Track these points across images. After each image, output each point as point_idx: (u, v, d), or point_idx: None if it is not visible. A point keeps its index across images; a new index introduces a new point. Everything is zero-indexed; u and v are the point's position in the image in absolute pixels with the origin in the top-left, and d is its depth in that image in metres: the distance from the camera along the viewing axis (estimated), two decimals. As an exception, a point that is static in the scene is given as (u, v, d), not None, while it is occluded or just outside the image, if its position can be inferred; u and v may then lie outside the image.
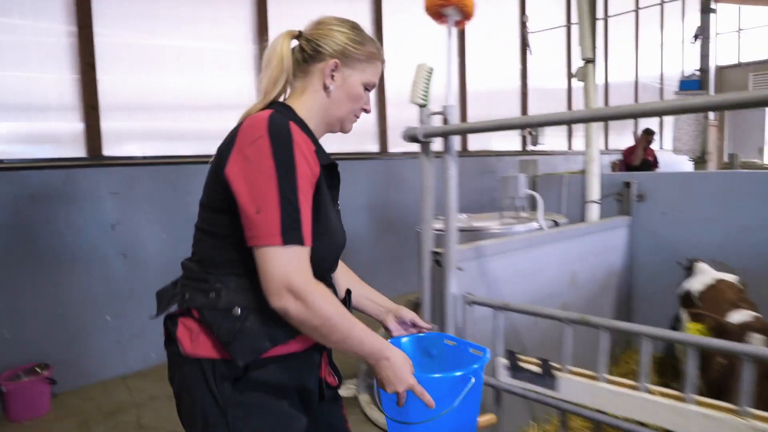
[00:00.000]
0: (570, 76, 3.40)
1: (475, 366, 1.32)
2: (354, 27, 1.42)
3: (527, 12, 8.17)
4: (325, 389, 1.39)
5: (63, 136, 4.14)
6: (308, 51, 1.36)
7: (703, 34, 6.71)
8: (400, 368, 1.24)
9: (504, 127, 1.93)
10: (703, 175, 3.63)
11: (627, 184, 3.45)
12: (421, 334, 1.58)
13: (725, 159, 12.51)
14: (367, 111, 1.47)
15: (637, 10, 10.26)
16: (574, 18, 9.16)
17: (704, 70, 6.81)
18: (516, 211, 3.39)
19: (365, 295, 1.60)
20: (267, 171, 1.13)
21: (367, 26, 3.65)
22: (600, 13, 8.78)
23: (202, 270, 1.27)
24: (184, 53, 4.83)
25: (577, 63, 3.85)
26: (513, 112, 8.44)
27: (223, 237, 1.26)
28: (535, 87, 8.73)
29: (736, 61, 15.47)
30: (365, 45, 1.41)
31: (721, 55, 14.92)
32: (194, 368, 1.23)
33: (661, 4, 10.79)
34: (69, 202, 4.05)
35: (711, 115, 7.42)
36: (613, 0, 9.89)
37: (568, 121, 2.18)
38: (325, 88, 1.36)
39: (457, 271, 2.15)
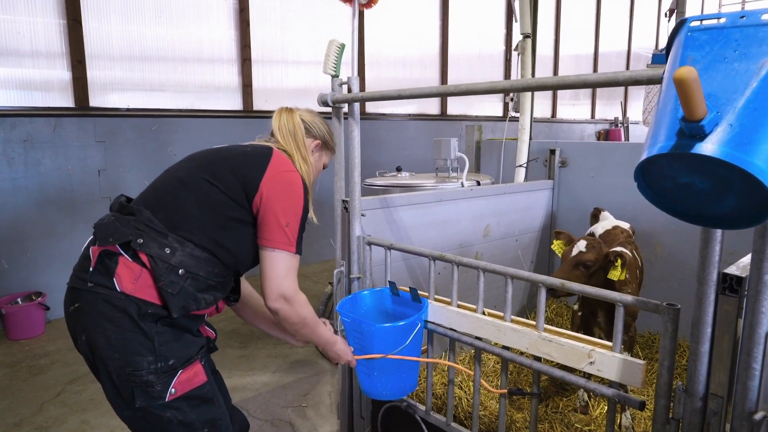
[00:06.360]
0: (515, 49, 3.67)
1: (413, 316, 2.04)
2: (327, 124, 2.02)
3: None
4: (212, 344, 1.84)
5: (51, 85, 4.54)
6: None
7: (678, 8, 6.85)
8: (341, 352, 1.97)
9: (404, 96, 2.27)
10: (616, 145, 3.96)
11: (552, 152, 3.81)
12: (377, 289, 2.32)
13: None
14: None
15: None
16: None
17: (678, 43, 6.97)
18: (449, 171, 3.78)
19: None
20: (299, 203, 1.68)
21: None
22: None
23: (164, 225, 1.53)
24: (165, 4, 5.10)
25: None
26: (496, 75, 8.65)
27: (217, 215, 1.58)
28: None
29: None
30: (333, 138, 2.05)
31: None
32: (128, 304, 1.44)
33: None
34: (57, 148, 4.50)
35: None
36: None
37: (483, 91, 1.83)
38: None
39: (362, 216, 2.56)
